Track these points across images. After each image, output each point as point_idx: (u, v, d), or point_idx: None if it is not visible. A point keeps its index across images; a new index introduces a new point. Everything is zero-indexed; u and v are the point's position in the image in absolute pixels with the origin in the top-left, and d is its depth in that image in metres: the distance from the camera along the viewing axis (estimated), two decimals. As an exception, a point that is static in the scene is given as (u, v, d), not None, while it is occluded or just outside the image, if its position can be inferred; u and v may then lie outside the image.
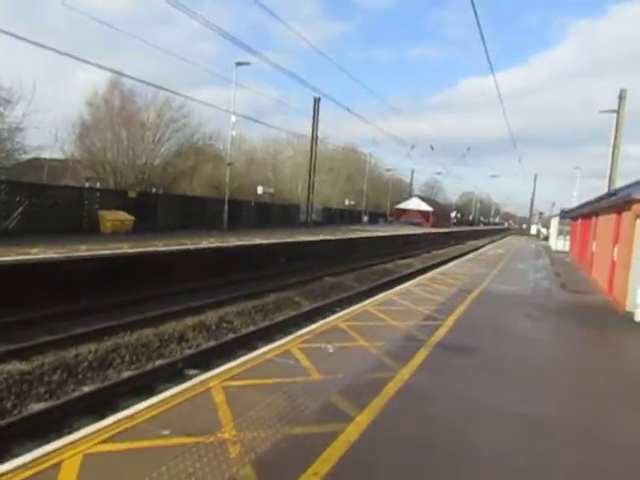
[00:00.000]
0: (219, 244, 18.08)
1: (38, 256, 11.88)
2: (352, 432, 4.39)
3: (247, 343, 10.22)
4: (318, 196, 42.55)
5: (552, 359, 7.63)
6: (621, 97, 28.27)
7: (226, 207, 27.74)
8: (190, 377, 7.81)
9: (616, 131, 28.10)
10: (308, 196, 37.40)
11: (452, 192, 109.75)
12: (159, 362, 8.73)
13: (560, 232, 41.02)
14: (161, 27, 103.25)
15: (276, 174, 50.62)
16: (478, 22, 11.25)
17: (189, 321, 11.19)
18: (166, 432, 4.14)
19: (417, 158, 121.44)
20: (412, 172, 78.95)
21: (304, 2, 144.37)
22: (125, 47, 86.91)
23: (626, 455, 4.56)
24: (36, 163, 27.48)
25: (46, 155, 28.50)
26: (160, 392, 6.61)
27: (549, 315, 11.12)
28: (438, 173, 72.29)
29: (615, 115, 28.25)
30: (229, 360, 8.39)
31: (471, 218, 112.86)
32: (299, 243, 23.06)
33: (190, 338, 10.25)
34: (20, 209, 16.12)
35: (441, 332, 8.39)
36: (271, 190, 37.16)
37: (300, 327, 10.90)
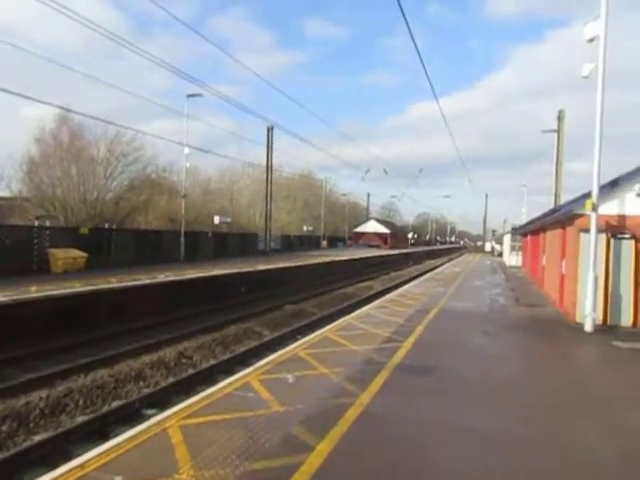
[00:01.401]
0: (176, 277, 17.77)
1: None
2: (313, 463, 4.35)
3: (207, 378, 10.02)
4: (276, 223, 42.65)
5: (509, 373, 7.82)
6: (559, 118, 29.97)
7: (182, 239, 27.35)
8: (148, 417, 7.59)
9: (558, 149, 29.65)
10: (266, 224, 37.41)
11: (408, 214, 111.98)
12: (115, 404, 8.43)
13: (513, 248, 42.42)
14: (113, 61, 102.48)
15: (233, 203, 50.44)
16: (419, 53, 11.79)
17: (146, 359, 10.90)
18: (119, 478, 3.99)
19: (372, 182, 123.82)
20: (368, 195, 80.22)
21: (258, 33, 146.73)
22: (75, 82, 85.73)
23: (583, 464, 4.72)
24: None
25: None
26: (116, 435, 6.41)
27: (505, 330, 11.43)
28: (393, 196, 73.75)
29: (556, 135, 29.90)
30: (189, 396, 8.23)
31: (428, 238, 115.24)
32: (258, 272, 22.94)
33: (148, 376, 9.96)
34: (-37, 252, 15.45)
35: (400, 354, 8.48)
36: (228, 219, 36.91)
37: (261, 357, 10.79)
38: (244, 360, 11.26)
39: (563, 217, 14.20)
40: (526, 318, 13.34)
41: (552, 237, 18.12)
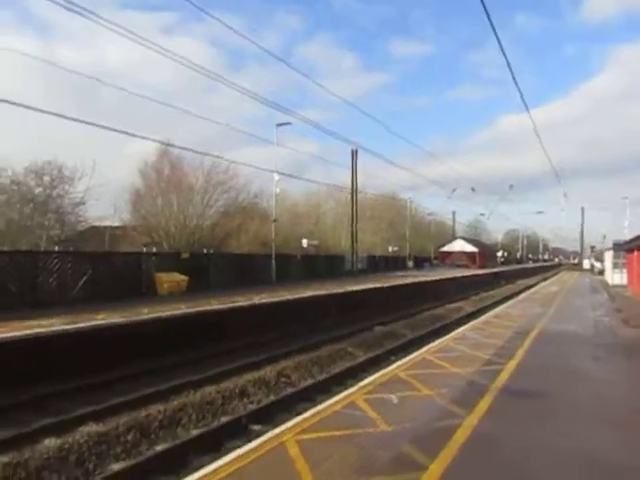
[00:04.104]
0: (271, 299, 18.48)
1: (105, 321, 12.57)
2: (428, 481, 4.46)
3: (306, 397, 10.35)
4: (361, 244, 42.91)
5: (627, 402, 7.38)
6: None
7: (273, 262, 28.38)
8: (255, 432, 8.02)
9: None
10: (352, 246, 37.76)
11: (496, 231, 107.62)
12: (224, 419, 8.95)
13: (616, 265, 39.54)
14: (209, 94, 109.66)
15: (319, 226, 51.45)
16: (509, 65, 11.66)
17: (249, 377, 11.43)
18: (249, 486, 4.34)
19: (458, 200, 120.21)
20: (454, 214, 78.41)
21: (344, 57, 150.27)
22: (175, 117, 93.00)
23: None
24: (94, 231, 29.29)
25: (108, 223, 30.52)
26: (228, 449, 6.86)
27: (615, 355, 10.74)
28: (482, 214, 71.39)
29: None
30: (290, 414, 8.59)
31: (519, 256, 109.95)
32: (347, 293, 23.21)
33: (251, 394, 10.46)
34: (85, 278, 17.14)
35: (503, 377, 8.30)
36: (315, 242, 37.73)
37: (356, 378, 10.97)
38: (341, 381, 11.49)
39: (676, 232, 13.18)
40: (638, 341, 12.44)
41: (664, 253, 16.79)
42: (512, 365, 9.18)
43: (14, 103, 13.29)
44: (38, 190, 26.03)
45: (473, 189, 52.23)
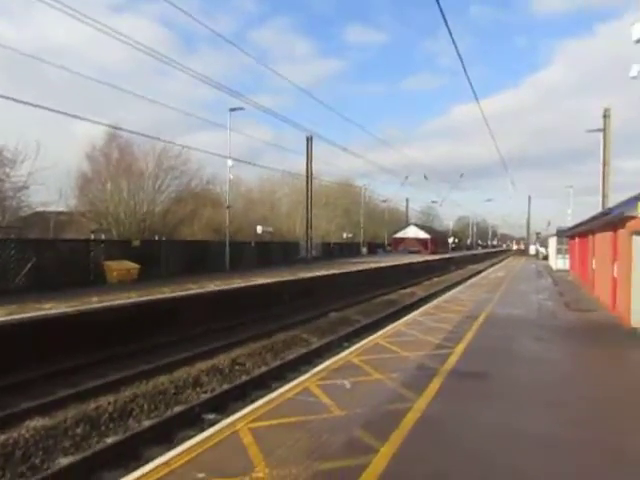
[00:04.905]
0: (224, 287, 18.29)
1: (52, 311, 12.10)
2: (379, 464, 4.57)
3: (261, 384, 10.37)
4: (316, 231, 43.00)
5: (564, 380, 7.79)
6: (605, 116, 29.06)
7: (227, 249, 28.06)
8: (209, 421, 7.99)
9: (604, 149, 28.77)
10: (307, 232, 37.81)
11: (448, 217, 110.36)
12: (177, 409, 8.85)
13: (559, 251, 41.35)
14: (162, 77, 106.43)
15: (273, 212, 51.21)
16: (459, 54, 11.88)
17: (202, 365, 11.35)
18: (202, 475, 4.32)
19: (411, 187, 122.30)
20: (407, 201, 79.82)
21: (298, 42, 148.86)
22: (123, 98, 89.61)
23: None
24: (39, 217, 28.00)
25: (53, 209, 29.19)
26: (181, 439, 6.80)
27: (556, 336, 11.30)
28: (434, 202, 73.02)
29: (602, 133, 29.02)
30: (245, 402, 8.59)
31: (469, 242, 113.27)
32: (301, 280, 23.27)
33: (205, 382, 10.39)
34: (29, 265, 16.41)
35: (452, 360, 8.58)
36: (270, 229, 37.56)
37: (311, 364, 11.09)
38: (295, 367, 11.57)
39: (614, 220, 13.90)
40: (578, 323, 13.12)
41: (602, 240, 17.70)
42: (461, 348, 9.51)
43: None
44: (-24, 174, 24.63)
45: (426, 177, 53.31)
